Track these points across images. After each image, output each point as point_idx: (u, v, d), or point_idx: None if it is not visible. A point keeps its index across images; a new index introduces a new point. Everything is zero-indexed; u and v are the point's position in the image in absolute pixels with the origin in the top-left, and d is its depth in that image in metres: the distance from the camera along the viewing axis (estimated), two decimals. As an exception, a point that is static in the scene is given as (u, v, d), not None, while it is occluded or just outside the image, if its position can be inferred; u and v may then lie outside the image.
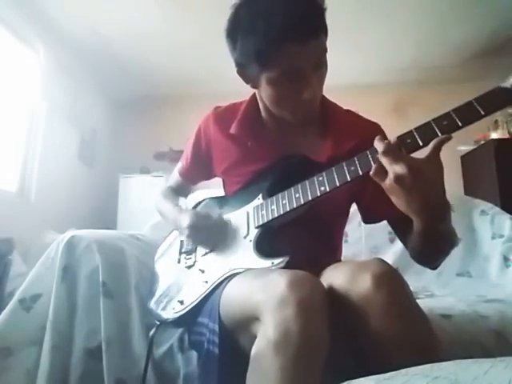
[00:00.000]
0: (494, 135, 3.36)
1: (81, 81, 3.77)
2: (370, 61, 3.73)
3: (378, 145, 0.64)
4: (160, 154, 4.11)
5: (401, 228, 0.87)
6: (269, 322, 0.58)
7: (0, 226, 2.43)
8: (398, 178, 0.60)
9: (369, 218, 0.95)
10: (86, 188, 3.91)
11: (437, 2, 2.88)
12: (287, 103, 0.82)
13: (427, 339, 0.60)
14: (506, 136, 3.33)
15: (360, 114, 0.98)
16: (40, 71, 3.17)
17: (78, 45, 3.43)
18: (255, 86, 0.86)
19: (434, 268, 0.84)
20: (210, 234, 0.89)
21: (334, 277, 0.69)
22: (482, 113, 0.61)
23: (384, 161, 0.62)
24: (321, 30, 0.76)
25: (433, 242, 0.72)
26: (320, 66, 0.79)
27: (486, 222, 1.66)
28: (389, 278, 0.62)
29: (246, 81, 0.87)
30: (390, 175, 0.61)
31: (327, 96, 0.97)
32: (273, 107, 0.86)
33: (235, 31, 0.79)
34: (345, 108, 0.99)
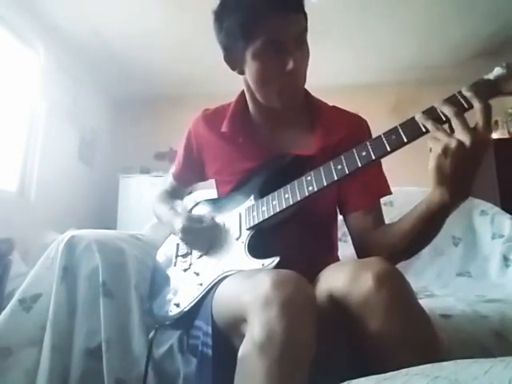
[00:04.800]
0: (494, 135, 3.36)
1: (81, 81, 3.76)
2: (370, 61, 3.73)
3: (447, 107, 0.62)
4: (160, 154, 4.11)
5: (364, 221, 0.88)
6: (254, 322, 0.58)
7: (0, 226, 2.42)
8: (462, 144, 0.59)
9: (344, 207, 0.93)
10: (86, 188, 3.91)
11: (437, 2, 2.88)
12: (272, 78, 0.83)
13: (429, 339, 0.59)
14: (506, 136, 3.33)
15: (360, 113, 0.99)
16: (40, 71, 3.17)
17: (78, 45, 3.43)
18: (241, 70, 0.88)
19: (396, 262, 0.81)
20: (202, 236, 0.90)
21: (334, 277, 0.69)
22: (466, 106, 0.62)
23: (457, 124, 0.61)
24: (299, 7, 0.81)
25: (433, 226, 0.72)
26: (301, 42, 0.82)
27: (486, 222, 1.66)
28: (390, 277, 0.62)
29: (233, 65, 0.89)
30: (456, 138, 0.60)
31: (328, 96, 0.97)
32: (259, 87, 0.87)
33: (222, 12, 0.84)
34: (344, 107, 0.99)
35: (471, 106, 0.62)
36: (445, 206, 0.66)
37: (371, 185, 0.90)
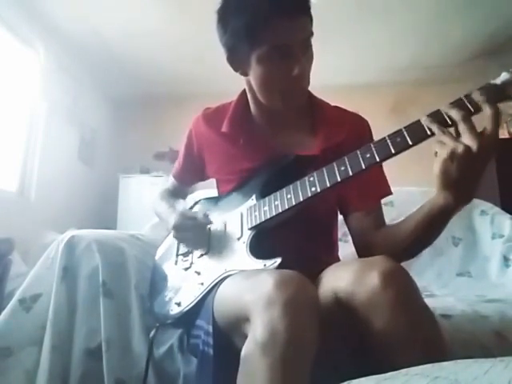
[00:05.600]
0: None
1: (81, 81, 3.76)
2: (370, 61, 3.73)
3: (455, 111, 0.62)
4: (160, 153, 4.11)
5: (365, 221, 0.88)
6: (257, 322, 0.58)
7: (0, 226, 2.42)
8: (469, 149, 0.59)
9: (346, 208, 0.93)
10: (86, 188, 3.91)
11: (436, 2, 2.88)
12: (277, 83, 0.83)
13: (434, 338, 0.59)
14: (506, 136, 3.32)
15: (359, 113, 0.99)
16: (40, 71, 3.17)
17: (78, 45, 3.43)
18: (245, 72, 0.87)
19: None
20: (193, 234, 0.90)
21: (337, 276, 0.69)
22: (472, 110, 0.61)
23: (464, 129, 0.60)
24: (306, 10, 0.79)
25: (435, 228, 0.73)
26: (307, 47, 0.82)
27: (486, 222, 1.66)
28: (396, 276, 0.62)
29: (236, 67, 0.88)
30: (463, 142, 0.59)
31: (327, 96, 0.97)
32: (262, 90, 0.86)
33: (226, 13, 0.82)
34: (347, 107, 0.99)
35: (477, 111, 0.61)
36: (448, 209, 0.67)
37: (372, 186, 0.90)
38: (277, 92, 0.84)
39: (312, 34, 0.81)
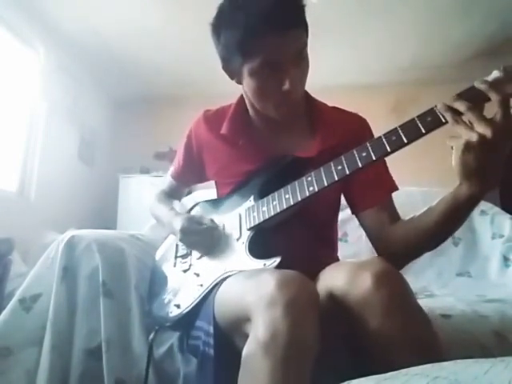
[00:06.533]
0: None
1: (81, 81, 3.76)
2: (370, 61, 3.73)
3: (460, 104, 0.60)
4: (160, 153, 4.11)
5: (380, 217, 0.87)
6: (258, 322, 0.58)
7: (0, 226, 2.42)
8: (484, 137, 0.58)
9: (358, 206, 0.93)
10: (86, 188, 3.90)
11: (437, 2, 2.88)
12: (269, 95, 0.83)
13: (428, 339, 0.59)
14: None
15: (359, 114, 0.99)
16: (40, 71, 3.17)
17: (78, 45, 3.43)
18: (239, 80, 0.87)
19: (412, 258, 0.83)
20: (201, 238, 0.90)
21: (333, 277, 0.69)
22: (478, 99, 0.61)
23: (473, 118, 0.59)
24: (299, 23, 0.78)
25: (460, 216, 0.73)
26: (300, 59, 0.80)
27: (486, 222, 1.66)
28: (389, 277, 0.62)
29: (231, 76, 0.88)
30: (477, 131, 0.58)
31: (328, 96, 0.98)
32: (256, 101, 0.87)
33: (219, 25, 0.82)
34: (344, 107, 0.99)
35: (484, 100, 0.60)
36: (473, 196, 0.66)
37: (380, 181, 0.90)
38: (269, 103, 0.85)
39: (306, 45, 0.81)
